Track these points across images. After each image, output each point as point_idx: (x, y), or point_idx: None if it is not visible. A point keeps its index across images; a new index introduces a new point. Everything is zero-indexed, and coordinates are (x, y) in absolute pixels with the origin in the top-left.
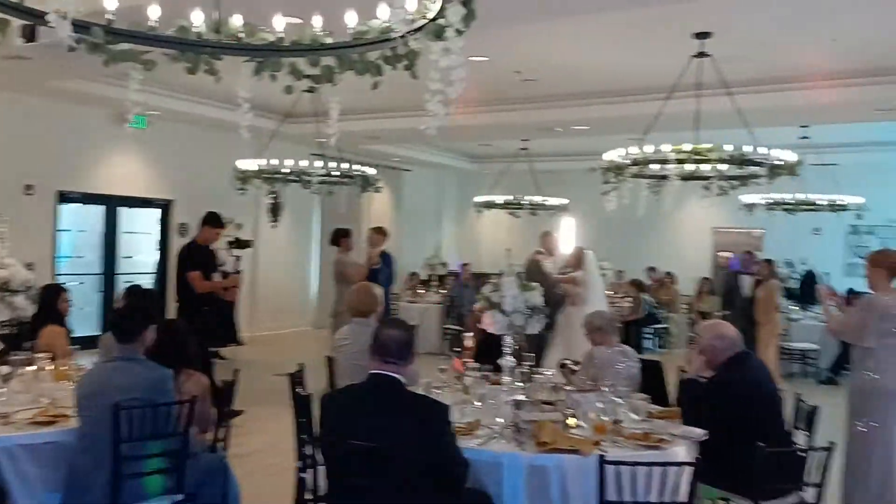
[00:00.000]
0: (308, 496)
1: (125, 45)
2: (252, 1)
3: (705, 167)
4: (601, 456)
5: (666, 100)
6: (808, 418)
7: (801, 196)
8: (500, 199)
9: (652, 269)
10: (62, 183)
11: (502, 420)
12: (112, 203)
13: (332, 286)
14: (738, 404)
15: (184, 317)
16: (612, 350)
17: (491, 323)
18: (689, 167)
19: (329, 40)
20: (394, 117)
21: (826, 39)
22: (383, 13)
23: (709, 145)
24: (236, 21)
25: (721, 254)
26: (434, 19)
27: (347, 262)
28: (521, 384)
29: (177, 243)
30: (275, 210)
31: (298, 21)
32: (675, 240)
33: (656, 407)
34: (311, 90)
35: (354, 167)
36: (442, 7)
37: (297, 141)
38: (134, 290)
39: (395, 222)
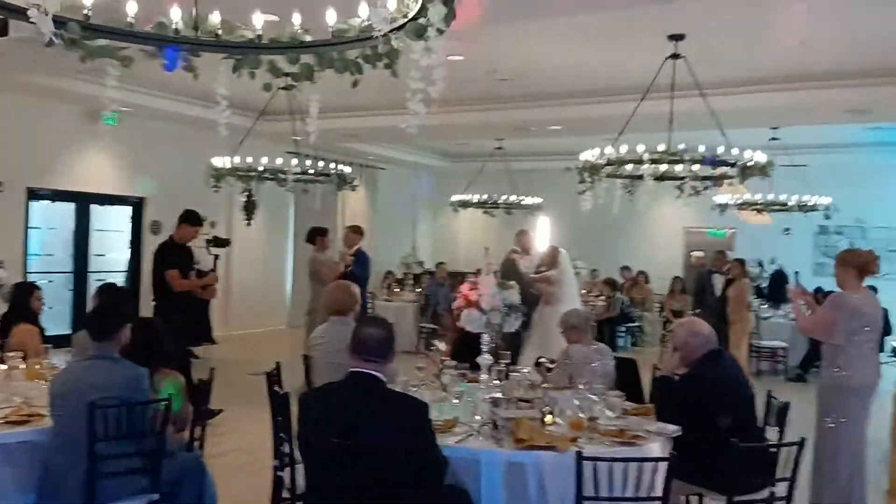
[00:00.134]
0: (285, 495)
1: (102, 41)
2: None
3: (679, 167)
4: (579, 452)
5: (640, 101)
6: (780, 414)
7: (771, 196)
8: (475, 198)
9: (626, 269)
10: (32, 180)
11: (480, 417)
12: (83, 200)
13: (308, 285)
14: (711, 400)
15: (161, 315)
16: (587, 348)
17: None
18: (663, 167)
19: (308, 38)
20: (371, 116)
21: (796, 42)
22: (363, 12)
23: (682, 146)
24: (215, 18)
25: (693, 253)
26: (414, 18)
27: (321, 260)
28: (499, 382)
29: (149, 241)
30: (249, 208)
31: (275, 19)
32: (648, 239)
33: (631, 404)
34: (287, 88)
35: (330, 165)
36: (422, 6)
37: (272, 139)
38: (108, 289)
39: (371, 221)
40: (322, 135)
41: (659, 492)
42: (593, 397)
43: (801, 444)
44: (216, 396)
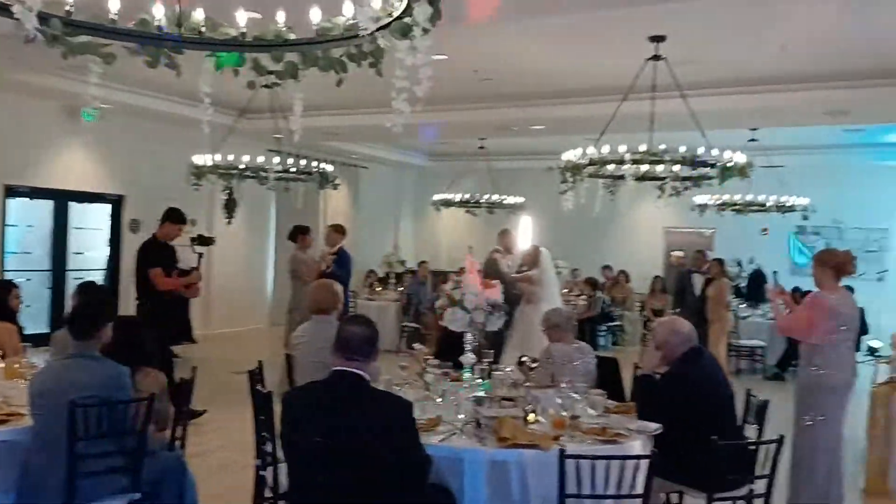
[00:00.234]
0: (268, 494)
1: (84, 38)
2: None
3: (660, 168)
4: (562, 450)
5: (622, 101)
6: (759, 412)
7: (750, 197)
8: (457, 197)
9: (607, 268)
10: (10, 177)
11: (463, 416)
12: (62, 198)
13: (289, 283)
14: (692, 398)
15: (144, 314)
16: (569, 347)
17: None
18: (645, 167)
19: (292, 36)
20: (353, 114)
21: (775, 45)
22: (348, 10)
23: (663, 146)
24: (198, 15)
25: (673, 253)
26: (400, 17)
27: (302, 259)
28: (481, 381)
29: (128, 239)
30: (230, 207)
31: (258, 16)
32: (629, 239)
33: (613, 402)
34: (269, 86)
35: (312, 164)
36: (408, 5)
37: (252, 137)
38: (89, 287)
39: (353, 220)
40: (304, 133)
41: (640, 489)
42: (575, 396)
43: (779, 441)
44: (197, 396)
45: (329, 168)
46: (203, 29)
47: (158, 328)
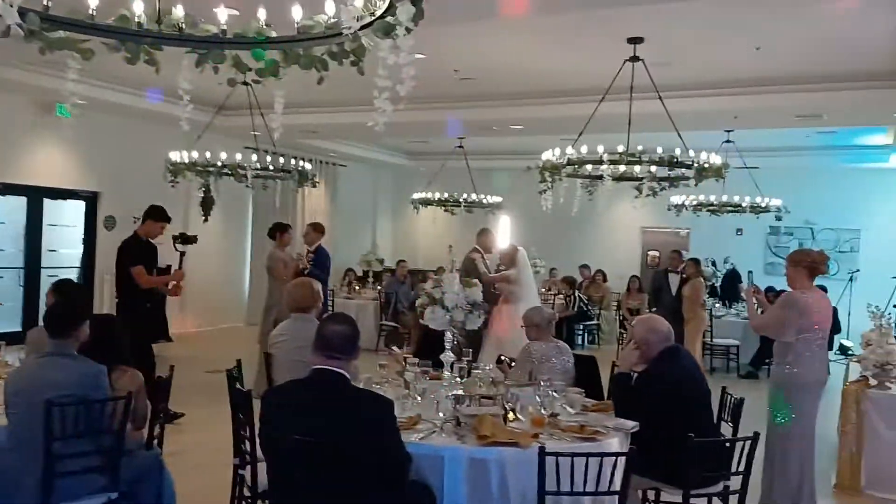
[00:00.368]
0: (246, 493)
1: (62, 33)
2: None
3: (637, 168)
4: (542, 447)
5: (600, 102)
6: (734, 410)
7: (725, 198)
8: (436, 196)
9: (585, 267)
10: None
11: (443, 414)
12: (35, 194)
13: (266, 281)
14: (669, 396)
15: (126, 312)
16: (547, 345)
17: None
18: (622, 168)
19: (274, 34)
20: (332, 112)
21: (751, 48)
22: (330, 8)
23: (641, 147)
24: (178, 11)
25: (650, 253)
26: (382, 16)
27: (279, 257)
28: (461, 379)
29: (103, 237)
30: (206, 204)
31: (236, 13)
32: (606, 238)
33: (591, 400)
34: (247, 83)
35: (291, 161)
36: (390, 4)
37: (230, 133)
38: (65, 285)
39: (331, 218)
40: (283, 131)
41: (618, 486)
42: (554, 394)
43: (754, 438)
44: (174, 395)
45: (308, 166)
46: (183, 26)
47: (140, 327)
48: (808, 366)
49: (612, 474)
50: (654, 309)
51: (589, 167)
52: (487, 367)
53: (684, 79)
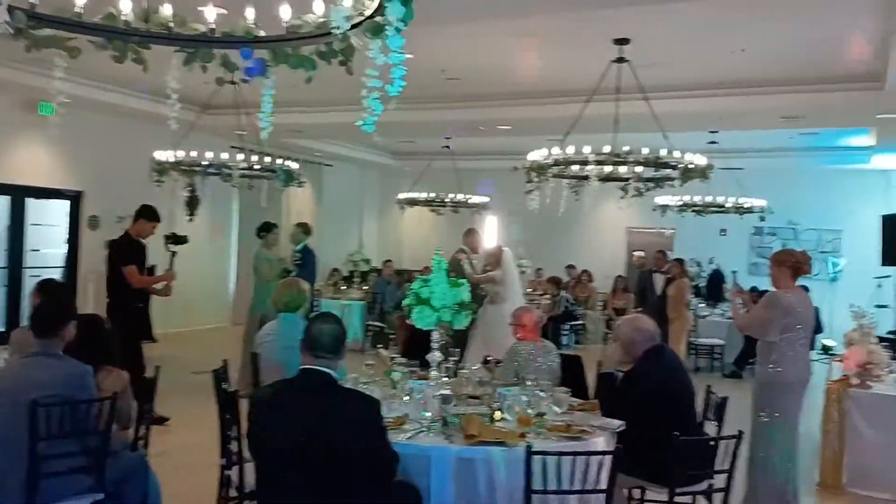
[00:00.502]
0: (232, 493)
1: (49, 31)
2: None
3: (623, 169)
4: (528, 447)
5: (586, 102)
6: (718, 409)
7: (709, 198)
8: (422, 196)
9: (571, 267)
10: None
11: (430, 414)
12: (18, 193)
13: (251, 281)
14: (654, 395)
15: (118, 312)
16: (534, 345)
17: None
18: (608, 168)
19: (262, 33)
20: (318, 112)
21: (736, 49)
22: (319, 8)
23: (627, 148)
24: (166, 10)
25: (635, 253)
26: (371, 16)
27: (265, 257)
28: (448, 379)
29: (87, 236)
30: (192, 204)
31: (224, 12)
32: (592, 239)
33: (577, 400)
34: (234, 82)
35: (278, 161)
36: (380, 4)
37: (216, 133)
38: (51, 284)
39: (317, 218)
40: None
41: (604, 485)
42: (541, 393)
43: (738, 437)
44: (161, 395)
45: (294, 166)
46: (171, 24)
47: (131, 327)
48: (792, 365)
49: (599, 473)
50: (639, 309)
51: (575, 167)
52: (474, 367)
53: (670, 80)
